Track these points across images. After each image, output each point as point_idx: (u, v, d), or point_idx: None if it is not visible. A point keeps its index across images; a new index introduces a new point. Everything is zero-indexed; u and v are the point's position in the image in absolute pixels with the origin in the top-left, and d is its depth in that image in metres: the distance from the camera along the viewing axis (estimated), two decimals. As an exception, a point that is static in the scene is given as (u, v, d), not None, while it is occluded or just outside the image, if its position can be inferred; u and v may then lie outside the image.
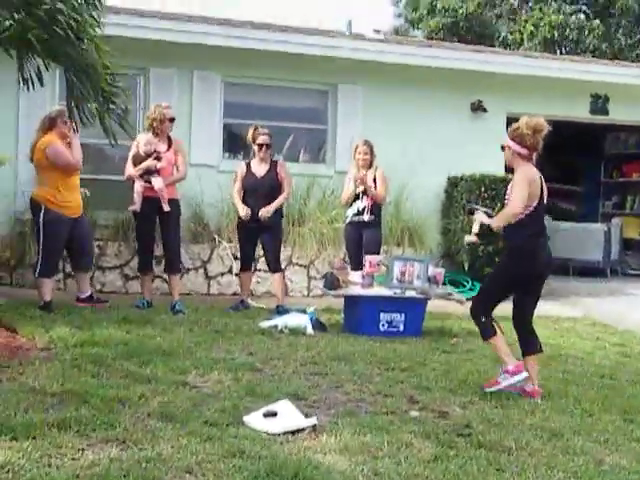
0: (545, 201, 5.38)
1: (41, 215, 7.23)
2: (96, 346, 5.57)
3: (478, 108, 11.06)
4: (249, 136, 8.03)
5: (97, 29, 5.35)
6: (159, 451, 3.64)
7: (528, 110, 11.14)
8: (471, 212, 5.97)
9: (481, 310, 5.52)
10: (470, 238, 5.85)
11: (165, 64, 9.74)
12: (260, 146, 7.92)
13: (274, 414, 4.25)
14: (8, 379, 4.62)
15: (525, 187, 5.22)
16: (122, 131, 6.44)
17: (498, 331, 5.47)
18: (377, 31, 12.01)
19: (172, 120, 7.89)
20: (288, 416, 4.25)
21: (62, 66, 5.52)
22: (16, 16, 5.14)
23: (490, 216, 5.67)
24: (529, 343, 5.52)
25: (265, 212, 7.73)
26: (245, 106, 10.30)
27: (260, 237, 7.96)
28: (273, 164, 8.02)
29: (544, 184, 5.39)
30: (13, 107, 9.10)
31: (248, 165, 8.07)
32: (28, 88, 5.98)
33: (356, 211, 7.94)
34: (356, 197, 7.98)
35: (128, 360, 5.28)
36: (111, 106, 5.77)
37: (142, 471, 3.37)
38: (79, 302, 7.53)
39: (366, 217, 7.88)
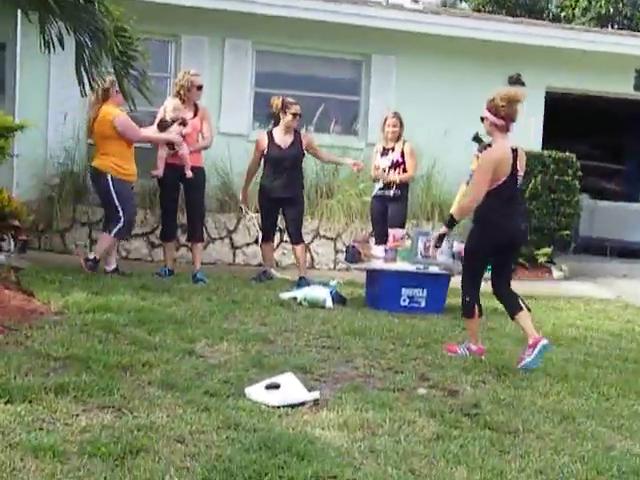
0: (520, 173, 5.37)
1: (110, 184, 7.29)
2: (109, 312, 5.54)
3: (516, 82, 10.75)
4: (276, 105, 7.78)
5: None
6: (153, 419, 3.60)
7: (568, 85, 11.08)
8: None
9: (466, 289, 5.60)
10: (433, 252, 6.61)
11: (197, 31, 9.66)
12: (294, 115, 7.71)
13: (277, 386, 4.17)
14: (15, 342, 4.62)
15: (485, 176, 5.26)
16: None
17: (477, 314, 5.60)
18: (416, 1, 11.72)
19: (200, 88, 7.75)
20: (290, 389, 4.17)
21: (74, 28, 5.45)
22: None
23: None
24: (513, 304, 5.51)
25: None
26: (276, 75, 10.19)
27: (282, 209, 7.87)
28: (297, 135, 7.84)
29: (520, 156, 5.37)
30: (44, 72, 9.09)
31: (270, 135, 7.82)
32: (49, 51, 5.97)
33: (382, 185, 7.85)
34: (384, 170, 7.86)
35: (138, 327, 5.25)
36: (130, 70, 5.68)
37: (132, 439, 3.32)
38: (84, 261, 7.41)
39: (392, 191, 7.79)
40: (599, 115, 13.09)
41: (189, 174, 7.51)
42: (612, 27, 19.66)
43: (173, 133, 7.51)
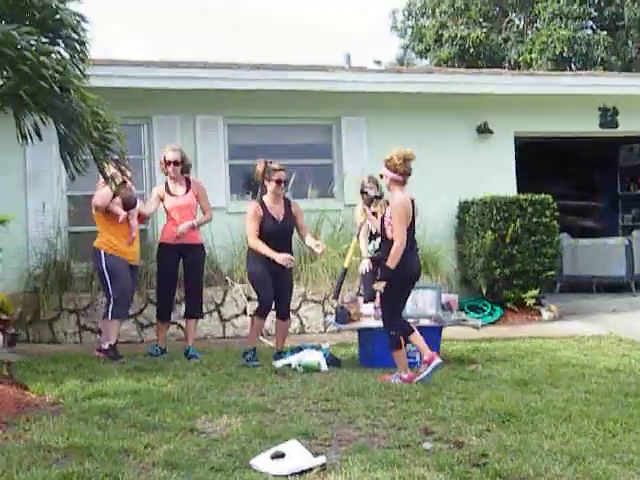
0: (415, 220, 6.45)
1: (102, 260, 7.35)
2: (105, 397, 5.50)
3: (484, 130, 11.00)
4: (258, 170, 7.27)
5: (83, 80, 5.40)
6: (162, 502, 3.55)
7: (536, 128, 11.32)
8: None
9: (391, 324, 6.37)
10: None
11: (167, 111, 9.81)
12: (278, 182, 7.17)
13: (282, 455, 4.14)
14: (14, 436, 4.56)
15: (403, 220, 6.26)
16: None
17: (403, 345, 6.38)
18: (377, 62, 12.13)
19: (174, 163, 7.62)
20: (296, 456, 4.14)
21: (52, 118, 5.55)
22: (4, 73, 5.17)
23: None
24: (407, 329, 6.45)
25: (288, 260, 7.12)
26: (249, 147, 10.32)
27: (276, 282, 7.24)
28: (287, 204, 7.31)
29: (415, 206, 6.47)
30: (21, 164, 9.16)
31: (263, 205, 7.19)
32: (27, 143, 6.05)
33: (376, 247, 7.81)
34: (374, 234, 7.90)
35: (136, 409, 5.20)
36: (107, 152, 5.77)
37: (143, 524, 3.27)
38: (98, 352, 7.41)
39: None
40: (571, 155, 13.35)
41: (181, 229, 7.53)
42: (570, 68, 20.23)
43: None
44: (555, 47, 19.40)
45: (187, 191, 7.73)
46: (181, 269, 7.79)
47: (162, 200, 7.75)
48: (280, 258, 6.97)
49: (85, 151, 5.79)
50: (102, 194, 7.39)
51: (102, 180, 7.04)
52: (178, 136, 9.78)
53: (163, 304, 7.76)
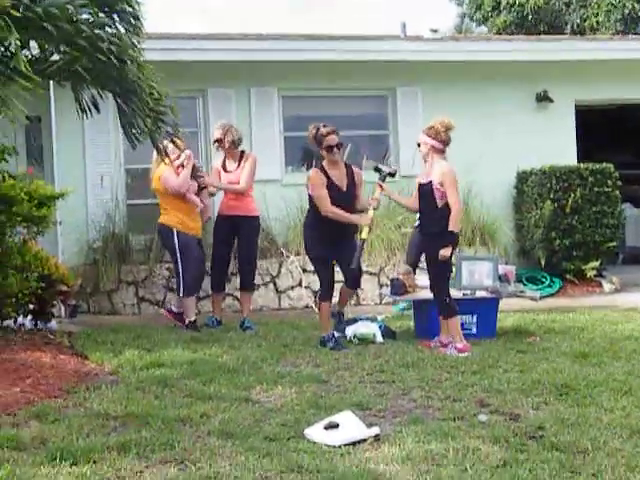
0: None
1: (174, 239, 7.43)
2: (162, 367, 5.60)
3: (544, 99, 10.73)
4: (310, 137, 6.71)
5: (138, 53, 5.43)
6: (217, 469, 3.59)
7: (597, 96, 11.00)
8: (377, 170, 6.90)
9: (444, 291, 6.47)
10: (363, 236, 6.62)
11: (222, 84, 9.83)
12: (329, 149, 6.57)
13: (336, 426, 4.15)
14: (74, 405, 4.67)
15: (455, 185, 6.41)
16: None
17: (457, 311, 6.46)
18: (434, 30, 11.76)
19: (216, 141, 7.76)
20: (350, 427, 4.14)
21: (109, 91, 5.61)
22: (61, 48, 5.23)
23: (393, 174, 6.96)
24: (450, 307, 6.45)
25: None
26: (304, 118, 10.25)
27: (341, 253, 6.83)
28: (350, 172, 6.74)
29: None
30: (79, 139, 9.30)
31: (325, 173, 6.60)
32: (86, 116, 6.15)
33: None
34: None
35: (192, 379, 5.27)
36: (160, 125, 5.81)
37: (198, 491, 3.32)
38: (167, 311, 7.82)
39: None
40: (635, 123, 12.95)
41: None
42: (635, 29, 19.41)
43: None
44: (624, 6, 18.62)
45: (238, 166, 7.79)
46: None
47: (218, 176, 7.88)
48: (365, 219, 6.58)
49: (144, 122, 5.83)
50: (182, 179, 7.44)
51: (158, 158, 7.11)
52: (233, 109, 9.81)
53: (216, 275, 7.88)
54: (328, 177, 6.58)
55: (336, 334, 6.67)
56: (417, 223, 7.93)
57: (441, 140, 6.48)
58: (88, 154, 9.33)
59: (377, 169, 6.98)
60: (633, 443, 3.95)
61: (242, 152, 7.87)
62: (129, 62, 5.17)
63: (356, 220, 6.62)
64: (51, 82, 7.26)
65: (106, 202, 9.10)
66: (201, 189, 7.70)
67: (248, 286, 7.87)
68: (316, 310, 8.20)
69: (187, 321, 7.49)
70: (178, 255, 7.46)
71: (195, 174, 7.59)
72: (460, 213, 6.46)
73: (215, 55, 9.46)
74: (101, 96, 6.00)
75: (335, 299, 6.99)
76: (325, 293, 6.71)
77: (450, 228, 6.32)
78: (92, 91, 5.98)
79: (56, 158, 9.06)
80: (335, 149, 6.60)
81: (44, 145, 9.41)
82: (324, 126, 6.63)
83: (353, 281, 6.95)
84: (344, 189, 6.63)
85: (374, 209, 6.66)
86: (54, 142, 9.04)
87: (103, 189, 9.15)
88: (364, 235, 6.62)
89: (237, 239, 7.81)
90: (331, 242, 6.58)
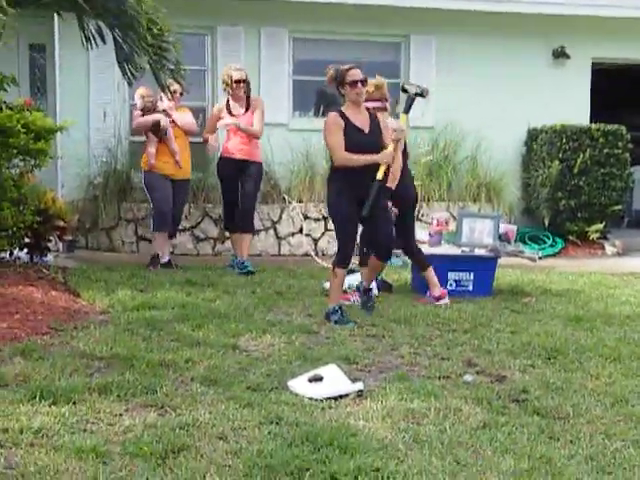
0: None
1: (142, 177, 7.84)
2: (153, 309, 5.59)
3: (561, 55, 10.51)
4: (329, 77, 5.82)
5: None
6: (196, 417, 3.58)
7: (616, 54, 10.75)
8: (404, 90, 6.23)
9: (415, 247, 6.62)
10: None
11: (232, 22, 9.62)
12: (353, 84, 5.66)
13: (320, 379, 4.13)
14: (60, 343, 4.67)
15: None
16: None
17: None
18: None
19: (239, 82, 7.64)
20: (334, 381, 4.13)
21: (107, 25, 5.49)
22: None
23: (422, 95, 6.16)
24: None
25: None
26: (314, 62, 10.07)
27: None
28: (373, 118, 5.86)
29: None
30: (84, 72, 9.16)
31: (343, 116, 5.70)
32: (91, 46, 6.06)
33: None
34: None
35: (182, 323, 5.26)
36: (163, 62, 5.70)
37: (174, 437, 3.31)
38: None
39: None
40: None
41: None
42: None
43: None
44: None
45: (246, 110, 7.74)
46: None
47: (221, 118, 7.76)
48: (384, 156, 5.64)
49: (142, 58, 5.73)
50: (136, 122, 7.83)
51: (139, 106, 7.62)
52: (242, 48, 9.65)
53: (228, 215, 7.90)
54: (347, 119, 5.67)
55: (343, 307, 5.82)
56: None
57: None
58: (92, 87, 9.20)
59: (404, 89, 6.18)
60: (614, 411, 3.92)
61: (247, 96, 7.77)
62: (129, -4, 5.04)
63: (374, 159, 5.63)
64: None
65: (109, 137, 9.01)
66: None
67: (247, 228, 7.86)
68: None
69: (164, 259, 7.73)
70: (146, 192, 7.84)
71: (157, 131, 7.66)
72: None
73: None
74: (100, 29, 5.90)
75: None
76: (342, 257, 5.79)
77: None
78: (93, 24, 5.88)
79: (59, 90, 8.95)
80: (360, 85, 5.68)
81: (47, 76, 9.29)
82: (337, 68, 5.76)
83: (383, 249, 5.93)
84: (366, 131, 5.71)
85: (396, 141, 5.83)
86: (57, 73, 8.91)
87: (106, 124, 9.05)
88: (379, 175, 5.66)
89: (240, 182, 7.77)
90: (356, 198, 5.65)
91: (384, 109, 6.36)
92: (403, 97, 6.38)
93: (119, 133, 9.05)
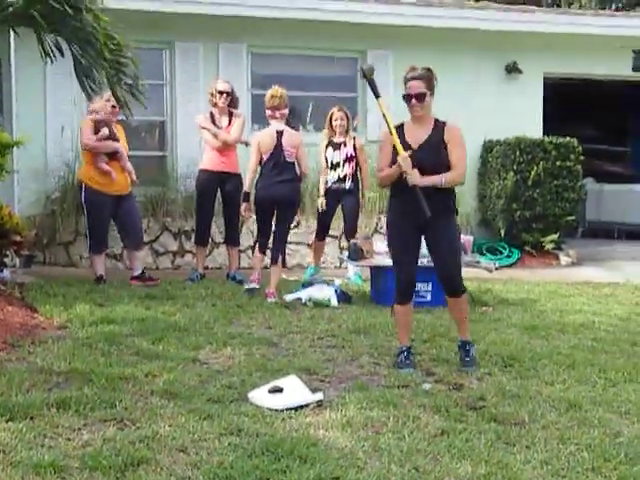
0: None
1: (82, 194, 7.49)
2: (112, 324, 5.56)
3: (513, 70, 10.73)
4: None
5: (97, 1, 5.31)
6: (155, 430, 3.58)
7: (567, 70, 11.02)
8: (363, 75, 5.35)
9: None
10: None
11: (190, 37, 9.65)
12: (405, 98, 5.09)
13: (280, 390, 4.16)
14: (17, 359, 4.63)
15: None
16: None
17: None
18: (408, -6, 11.63)
19: (222, 93, 7.87)
20: (294, 392, 4.16)
21: (64, 38, 5.48)
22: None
23: (364, 75, 5.25)
24: None
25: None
26: (273, 76, 10.13)
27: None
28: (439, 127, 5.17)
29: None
30: (41, 87, 9.10)
31: (398, 129, 5.05)
32: (51, 61, 6.04)
33: (336, 179, 7.96)
34: (336, 165, 7.95)
35: (142, 337, 5.25)
36: (121, 76, 5.70)
37: (134, 451, 3.31)
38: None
39: (347, 184, 7.95)
40: (601, 98, 13.01)
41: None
42: (611, 5, 19.43)
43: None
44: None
45: (230, 123, 7.91)
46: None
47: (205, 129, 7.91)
48: (401, 160, 4.84)
49: (100, 73, 5.73)
50: (83, 133, 7.49)
51: (90, 114, 7.41)
52: (201, 63, 9.67)
53: (201, 229, 7.99)
54: (401, 134, 4.95)
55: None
56: (329, 186, 8.10)
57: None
58: (49, 101, 9.15)
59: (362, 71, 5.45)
60: (569, 416, 4.02)
61: (230, 111, 7.99)
62: (85, 11, 5.03)
63: (396, 170, 4.88)
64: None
65: (66, 152, 8.94)
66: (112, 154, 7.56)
67: (235, 242, 8.13)
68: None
69: (95, 276, 7.48)
70: (84, 210, 7.57)
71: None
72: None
73: (181, 7, 9.26)
74: (58, 44, 5.88)
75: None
76: (403, 294, 4.95)
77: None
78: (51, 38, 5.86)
79: (15, 104, 8.87)
80: (414, 100, 4.99)
81: (3, 91, 9.19)
82: (413, 69, 5.18)
83: (444, 284, 5.10)
84: (414, 147, 4.94)
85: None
86: (14, 88, 8.85)
87: (63, 139, 8.97)
88: (414, 180, 4.80)
89: (222, 196, 7.96)
90: (415, 226, 4.89)
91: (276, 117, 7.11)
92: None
93: (76, 147, 8.95)
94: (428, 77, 5.05)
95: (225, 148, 7.82)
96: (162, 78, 9.77)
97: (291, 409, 3.96)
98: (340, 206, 8.08)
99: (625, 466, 3.39)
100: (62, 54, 5.95)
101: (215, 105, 7.93)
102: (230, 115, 7.97)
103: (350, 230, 7.95)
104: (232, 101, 8.00)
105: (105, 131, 7.35)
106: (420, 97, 4.97)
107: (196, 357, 4.88)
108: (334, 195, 7.99)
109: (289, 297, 6.95)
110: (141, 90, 6.16)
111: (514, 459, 3.43)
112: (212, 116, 7.95)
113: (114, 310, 6.00)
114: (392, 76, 10.25)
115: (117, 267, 8.74)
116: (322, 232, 8.15)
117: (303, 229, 9.38)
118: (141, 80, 6.16)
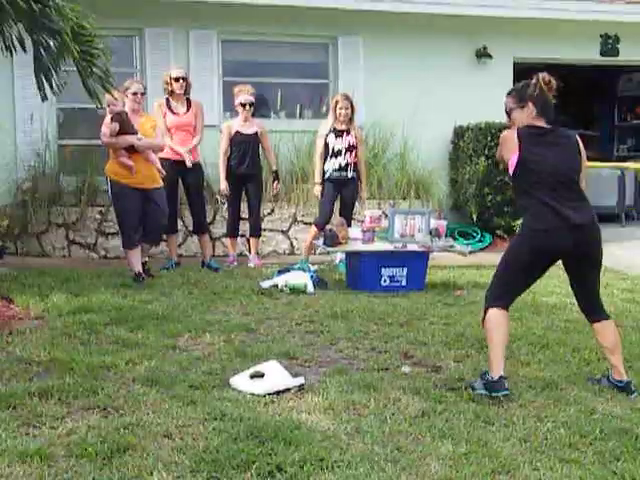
0: None
1: (108, 187, 7.15)
2: (89, 312, 5.55)
3: (483, 54, 10.79)
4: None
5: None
6: (139, 416, 3.61)
7: (536, 55, 11.09)
8: None
9: None
10: None
11: (160, 24, 9.58)
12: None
13: (261, 375, 4.19)
14: (-4, 349, 4.61)
15: None
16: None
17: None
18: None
19: (177, 79, 7.86)
20: (275, 376, 4.19)
21: (27, 29, 5.38)
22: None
23: None
24: None
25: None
26: (244, 63, 10.14)
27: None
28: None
29: None
30: (8, 74, 8.96)
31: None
32: (10, 54, 5.92)
33: (338, 167, 7.92)
34: (337, 153, 7.91)
35: (120, 326, 5.25)
36: (92, 68, 5.63)
37: (119, 437, 3.33)
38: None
39: (349, 174, 7.94)
40: (570, 83, 13.11)
41: (189, 164, 7.79)
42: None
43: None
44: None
45: (188, 110, 7.93)
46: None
47: (163, 116, 7.88)
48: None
49: (69, 63, 5.65)
50: (103, 129, 7.06)
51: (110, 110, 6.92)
52: (171, 50, 9.60)
53: (170, 218, 7.79)
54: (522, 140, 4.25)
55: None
56: (330, 175, 8.06)
57: None
58: (17, 89, 8.99)
59: None
60: (545, 395, 4.11)
61: (187, 98, 7.99)
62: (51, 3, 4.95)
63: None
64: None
65: (36, 141, 8.85)
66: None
67: (205, 229, 8.21)
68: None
69: (132, 273, 7.10)
70: (113, 204, 7.22)
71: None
72: None
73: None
74: (21, 36, 5.77)
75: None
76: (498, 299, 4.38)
77: None
78: (19, 27, 5.75)
79: (-18, 93, 8.75)
80: (507, 116, 4.54)
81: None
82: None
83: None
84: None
85: None
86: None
87: (33, 127, 8.88)
88: None
89: (184, 185, 8.00)
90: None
91: None
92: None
93: (47, 136, 8.89)
94: (517, 91, 4.54)
95: (181, 137, 7.86)
96: (132, 65, 9.69)
97: (273, 394, 4.00)
98: (339, 196, 8.05)
99: (600, 442, 3.49)
100: (24, 48, 5.76)
101: (171, 93, 7.91)
102: (188, 102, 7.98)
103: (346, 220, 7.91)
104: (187, 86, 7.99)
105: (115, 127, 6.88)
106: (507, 113, 4.50)
107: (175, 344, 4.90)
108: (335, 184, 7.96)
109: (265, 284, 6.98)
110: (112, 82, 6.09)
111: (493, 437, 3.51)
112: (168, 103, 7.94)
113: (90, 299, 5.99)
114: (362, 61, 10.31)
115: (91, 257, 8.69)
116: (323, 221, 7.92)
117: (277, 216, 9.39)
118: (110, 68, 6.07)
